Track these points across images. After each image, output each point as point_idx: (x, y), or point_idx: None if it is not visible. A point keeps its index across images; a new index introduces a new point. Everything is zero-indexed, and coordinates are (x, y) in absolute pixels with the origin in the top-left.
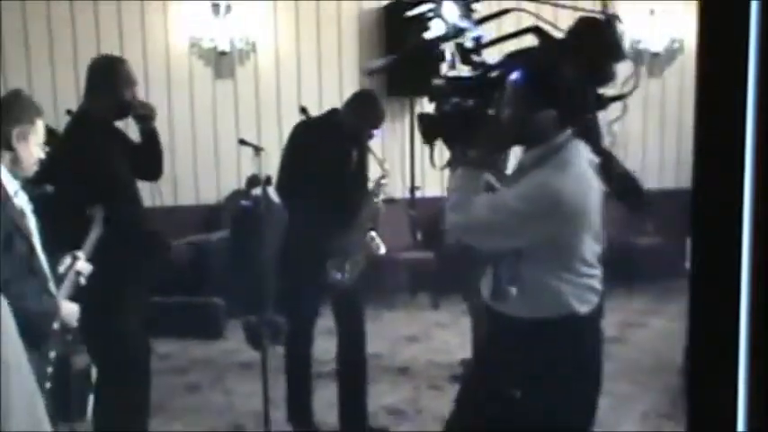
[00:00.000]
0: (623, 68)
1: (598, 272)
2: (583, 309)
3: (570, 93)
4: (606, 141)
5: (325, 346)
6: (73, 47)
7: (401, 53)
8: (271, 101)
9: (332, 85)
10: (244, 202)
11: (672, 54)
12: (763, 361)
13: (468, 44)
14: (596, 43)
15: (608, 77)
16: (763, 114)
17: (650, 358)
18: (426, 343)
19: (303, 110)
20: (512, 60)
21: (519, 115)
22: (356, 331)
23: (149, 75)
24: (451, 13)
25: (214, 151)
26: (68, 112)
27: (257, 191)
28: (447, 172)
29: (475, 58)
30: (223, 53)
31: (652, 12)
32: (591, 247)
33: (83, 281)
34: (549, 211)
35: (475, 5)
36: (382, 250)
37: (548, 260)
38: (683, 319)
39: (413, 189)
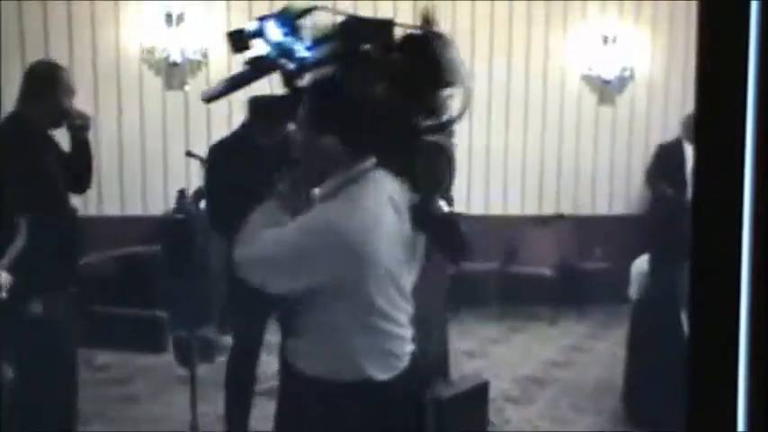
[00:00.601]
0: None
1: (406, 333)
2: (382, 375)
3: (356, 119)
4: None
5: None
6: (21, 51)
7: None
8: (222, 112)
9: None
10: (178, 216)
11: (623, 82)
12: (763, 361)
13: (291, 66)
14: (412, 65)
15: (430, 105)
16: (763, 114)
17: (592, 383)
18: None
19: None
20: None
21: (304, 141)
22: None
23: (99, 83)
24: (274, 31)
25: (163, 162)
26: None
27: (193, 204)
28: None
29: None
30: (174, 64)
31: (605, 40)
32: (394, 303)
33: (3, 294)
34: (328, 247)
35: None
36: None
37: (337, 311)
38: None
39: None
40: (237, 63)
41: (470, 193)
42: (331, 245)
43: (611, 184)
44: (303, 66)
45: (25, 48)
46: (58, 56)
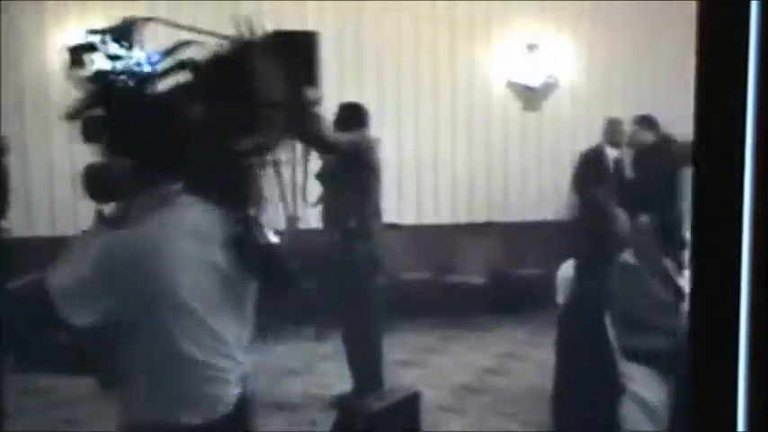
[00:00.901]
0: None
1: (229, 376)
2: (195, 420)
3: (154, 139)
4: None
5: None
6: None
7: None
8: None
9: None
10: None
11: (548, 89)
12: (764, 361)
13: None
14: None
15: (248, 125)
16: (764, 114)
17: (525, 390)
18: (309, 376)
19: None
20: None
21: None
22: None
23: (25, 101)
24: (112, 45)
25: None
26: None
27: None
28: None
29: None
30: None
31: (530, 48)
32: (207, 347)
33: None
34: (108, 276)
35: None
36: None
37: (145, 353)
38: None
39: (293, 219)
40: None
41: (401, 203)
42: (107, 273)
43: (539, 190)
44: (142, 80)
45: None
46: None
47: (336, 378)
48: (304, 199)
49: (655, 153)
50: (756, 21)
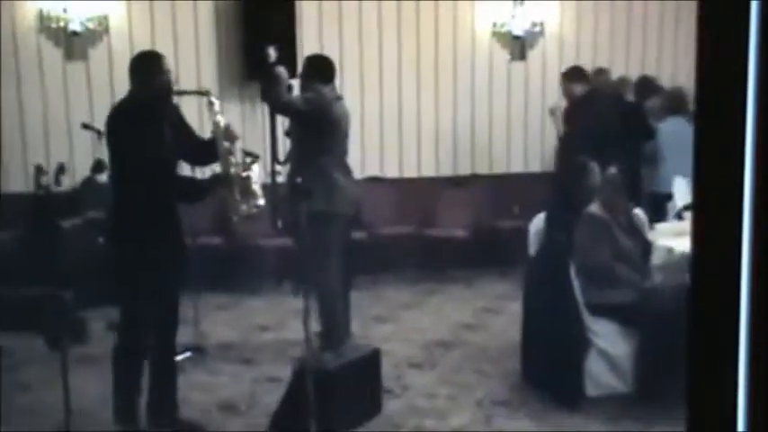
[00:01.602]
0: None
1: None
2: None
3: None
4: None
5: None
6: None
7: None
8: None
9: (189, 67)
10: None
11: (534, 37)
12: (763, 361)
13: None
14: None
15: None
16: (764, 114)
17: (498, 345)
18: (279, 332)
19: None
20: None
21: None
22: (169, 317)
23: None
24: None
25: (67, 135)
26: None
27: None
28: None
29: None
30: (75, 33)
31: None
32: None
33: None
34: None
35: None
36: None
37: None
38: None
39: (273, 173)
40: (139, 30)
41: (383, 157)
42: None
43: (525, 142)
44: None
45: None
46: None
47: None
48: (275, 157)
49: (584, 105)
50: (756, 21)
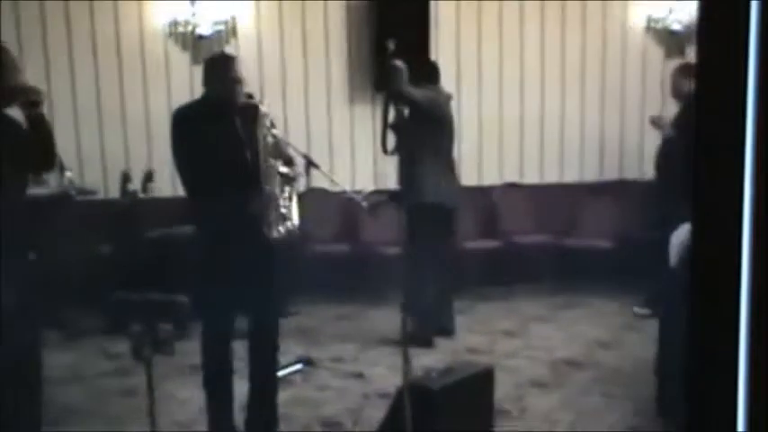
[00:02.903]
0: None
1: None
2: None
3: None
4: None
5: None
6: (41, 28)
7: None
8: (253, 87)
9: (318, 69)
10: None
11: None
12: (763, 362)
13: None
14: None
15: None
16: (764, 114)
17: (634, 367)
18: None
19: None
20: None
21: None
22: (269, 333)
23: (123, 60)
24: None
25: None
26: None
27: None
28: None
29: None
30: (201, 37)
31: None
32: None
33: None
34: None
35: None
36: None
37: None
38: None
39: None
40: (268, 34)
41: (523, 162)
42: None
43: None
44: None
45: (46, 24)
46: (81, 35)
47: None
48: (384, 148)
49: None
50: (756, 21)
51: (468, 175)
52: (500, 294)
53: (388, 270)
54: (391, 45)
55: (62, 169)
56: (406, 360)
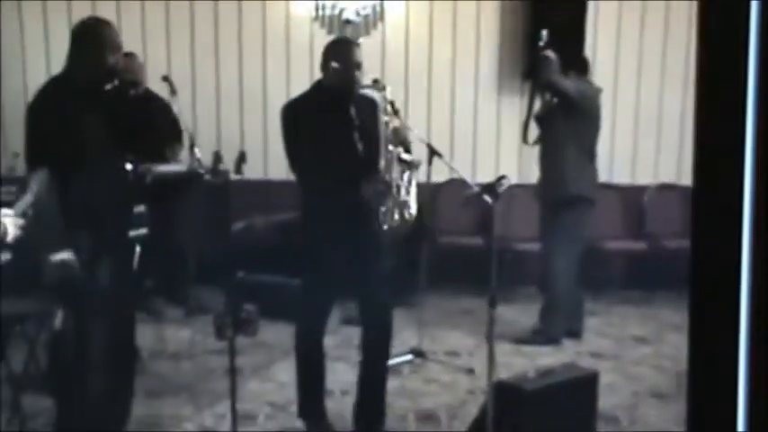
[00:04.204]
0: None
1: None
2: None
3: None
4: None
5: None
6: (190, 19)
7: None
8: (398, 73)
9: (467, 58)
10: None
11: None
12: (764, 361)
13: None
14: None
15: None
16: (764, 114)
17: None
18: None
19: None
20: None
21: None
22: (381, 322)
23: (267, 43)
24: None
25: None
26: None
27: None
28: None
29: None
30: (348, 21)
31: None
32: None
33: (9, 238)
34: None
35: None
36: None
37: None
38: None
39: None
40: (417, 20)
41: (681, 161)
42: None
43: None
44: None
45: (194, 14)
46: (229, 18)
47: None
48: (525, 138)
49: None
50: (756, 21)
51: (621, 173)
52: (640, 299)
53: (523, 265)
54: (544, 35)
55: (192, 148)
56: (492, 358)
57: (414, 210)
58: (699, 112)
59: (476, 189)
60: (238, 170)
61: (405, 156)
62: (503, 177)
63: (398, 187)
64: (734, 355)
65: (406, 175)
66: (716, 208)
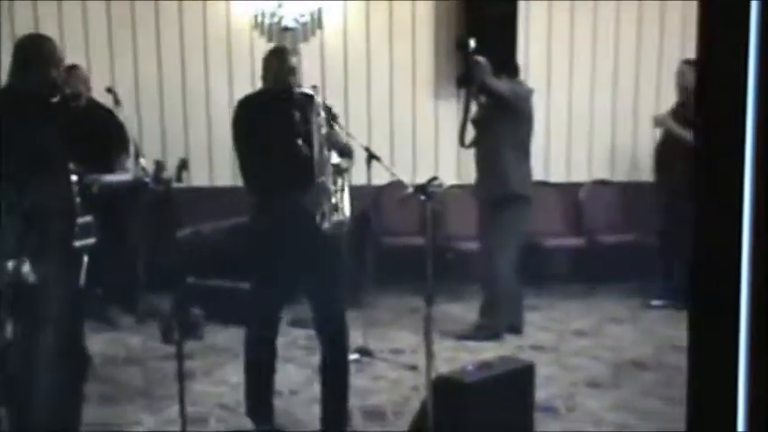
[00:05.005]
0: None
1: None
2: None
3: None
4: None
5: None
6: (131, 25)
7: None
8: (337, 79)
9: (404, 63)
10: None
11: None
12: (763, 361)
13: None
14: None
15: None
16: (764, 114)
17: None
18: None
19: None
20: None
21: None
22: (336, 322)
23: (209, 51)
24: None
25: None
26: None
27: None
28: None
29: None
30: (287, 29)
31: None
32: None
33: None
34: None
35: None
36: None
37: None
38: None
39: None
40: (354, 27)
41: (614, 159)
42: None
43: None
44: None
45: (135, 21)
46: (170, 26)
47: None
48: (461, 141)
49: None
50: (756, 21)
51: (557, 172)
52: (581, 293)
53: (466, 264)
54: (472, 43)
55: (137, 157)
56: (429, 354)
57: (347, 212)
58: (699, 112)
59: (410, 190)
60: (179, 178)
61: (335, 160)
62: (434, 178)
63: (331, 191)
64: (734, 356)
65: (339, 180)
66: (716, 208)
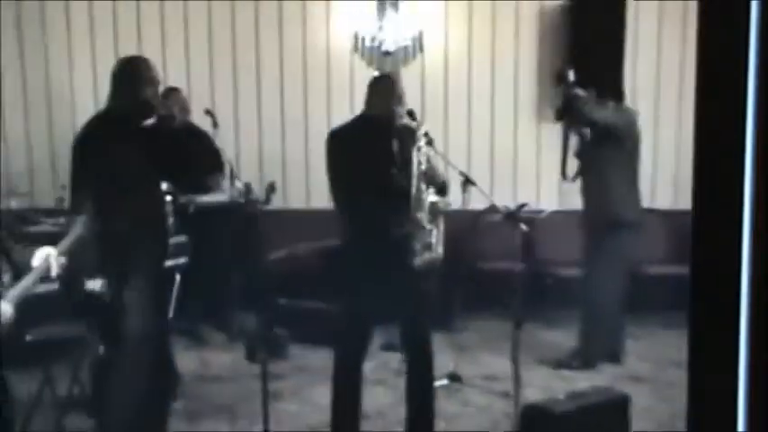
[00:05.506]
0: None
1: None
2: None
3: None
4: None
5: None
6: (231, 50)
7: None
8: (438, 103)
9: (506, 86)
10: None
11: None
12: (764, 361)
13: None
14: None
15: None
16: (764, 114)
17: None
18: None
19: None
20: None
21: None
22: (422, 350)
23: (308, 75)
24: None
25: None
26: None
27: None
28: None
29: None
30: (387, 53)
31: None
32: None
33: (52, 273)
34: None
35: None
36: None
37: None
38: None
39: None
40: (455, 50)
41: None
42: None
43: None
44: None
45: (236, 45)
46: (269, 51)
47: None
48: (563, 174)
49: None
50: (756, 21)
51: (663, 198)
52: (683, 323)
53: (566, 290)
54: (571, 75)
55: (233, 179)
56: (517, 380)
57: (440, 251)
58: (699, 112)
59: (499, 215)
60: (268, 200)
61: (432, 198)
62: (523, 205)
63: (426, 230)
64: (734, 355)
65: (435, 219)
66: (716, 208)
